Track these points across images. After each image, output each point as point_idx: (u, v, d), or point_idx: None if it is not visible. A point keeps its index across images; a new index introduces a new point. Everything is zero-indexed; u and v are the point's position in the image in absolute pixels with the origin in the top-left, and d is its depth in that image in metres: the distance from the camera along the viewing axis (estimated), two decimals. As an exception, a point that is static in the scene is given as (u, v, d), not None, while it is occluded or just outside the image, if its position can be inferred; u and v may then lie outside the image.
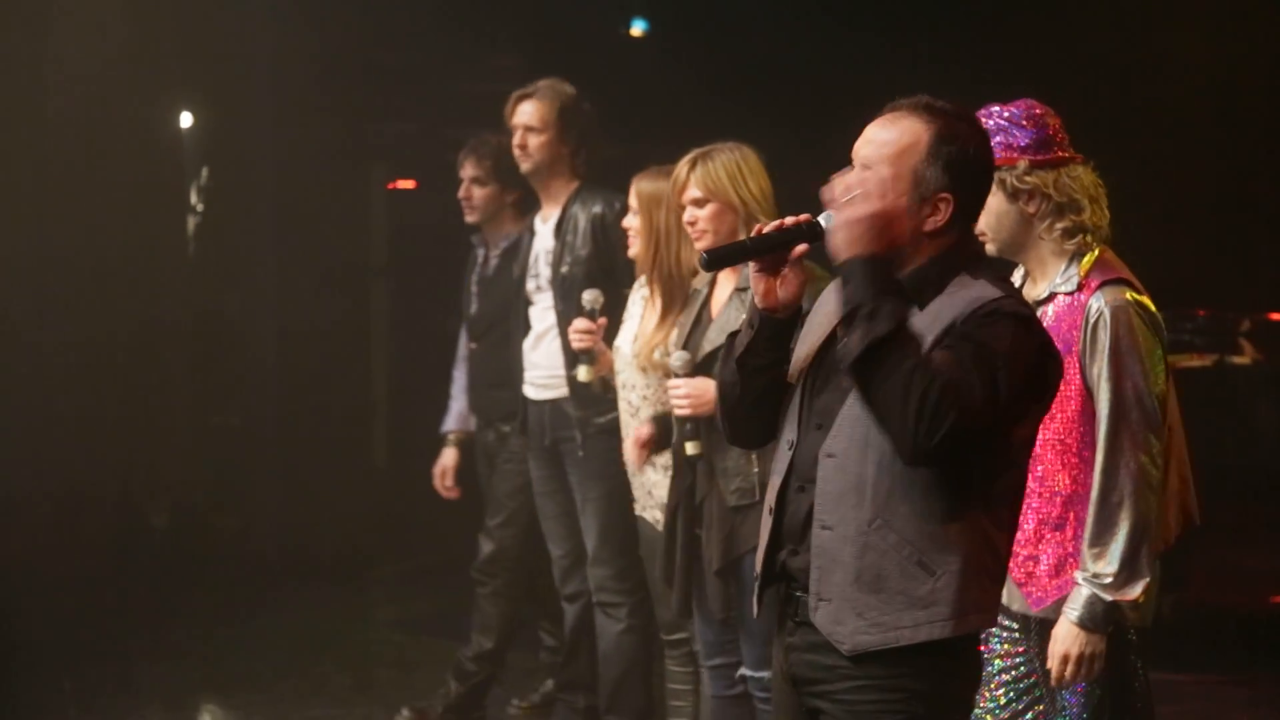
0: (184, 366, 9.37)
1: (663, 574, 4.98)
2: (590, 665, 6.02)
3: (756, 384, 3.41)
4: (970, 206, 3.32)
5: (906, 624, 3.20)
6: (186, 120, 9.68)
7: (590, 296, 5.45)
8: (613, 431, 5.57)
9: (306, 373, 8.98)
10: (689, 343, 4.88)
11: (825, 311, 3.39)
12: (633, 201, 5.24)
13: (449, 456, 6.69)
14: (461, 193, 6.46)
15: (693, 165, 4.84)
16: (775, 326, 3.38)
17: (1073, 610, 3.86)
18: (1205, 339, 6.93)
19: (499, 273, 6.44)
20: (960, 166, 3.26)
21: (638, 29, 10.38)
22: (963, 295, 3.25)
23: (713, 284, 4.95)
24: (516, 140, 5.91)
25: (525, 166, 5.95)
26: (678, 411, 4.77)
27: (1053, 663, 3.87)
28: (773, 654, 3.47)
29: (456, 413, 6.72)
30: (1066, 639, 3.86)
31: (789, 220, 3.33)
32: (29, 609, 7.89)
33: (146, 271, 8.96)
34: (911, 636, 3.20)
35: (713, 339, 4.77)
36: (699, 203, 4.83)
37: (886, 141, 3.28)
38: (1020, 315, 3.23)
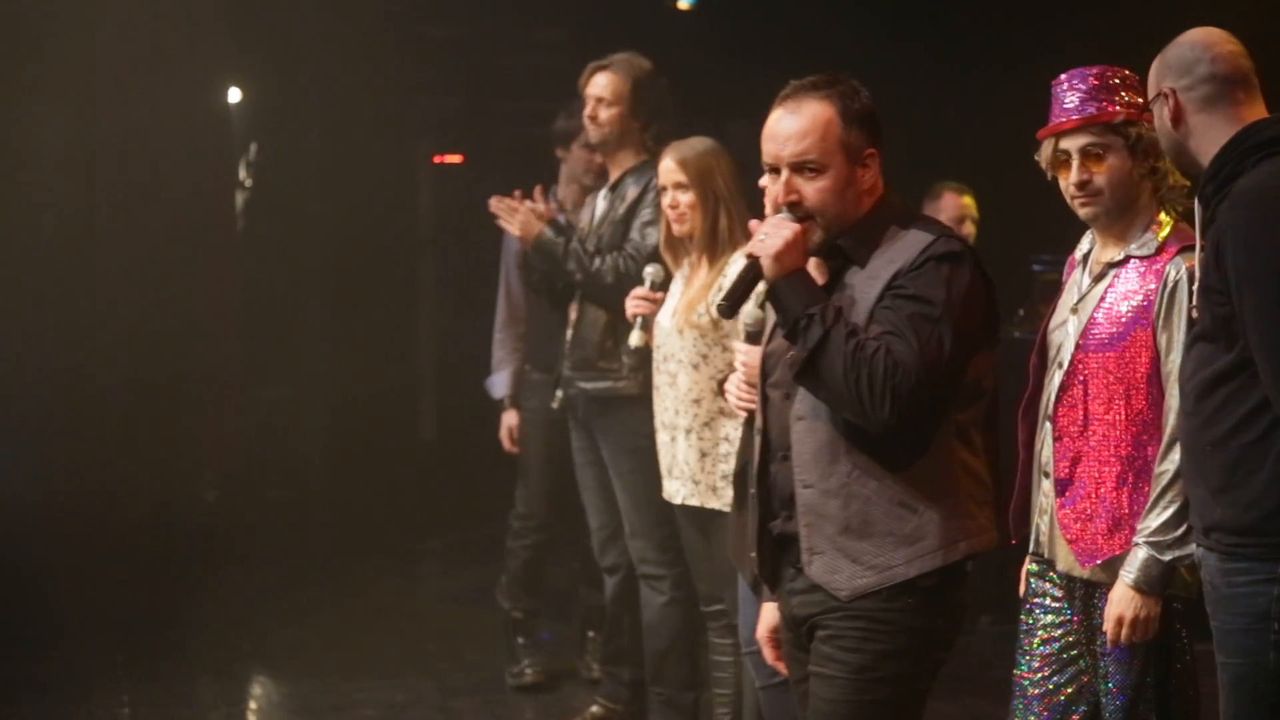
0: (234, 340, 9.42)
1: (733, 553, 4.85)
2: (633, 638, 6.01)
3: None
4: (881, 153, 3.52)
5: (899, 561, 3.42)
6: (234, 96, 9.73)
7: (652, 270, 5.49)
8: (608, 399, 5.69)
9: (354, 346, 9.01)
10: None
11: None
12: (682, 176, 5.25)
13: None
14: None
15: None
16: None
17: (1128, 573, 3.84)
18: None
19: None
20: (870, 120, 3.51)
21: (685, 2, 10.34)
22: (898, 246, 3.45)
23: None
24: (588, 111, 5.91)
25: (594, 137, 5.95)
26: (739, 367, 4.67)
27: (1107, 625, 3.86)
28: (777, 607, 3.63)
29: None
30: (1121, 601, 3.84)
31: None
32: (83, 582, 7.96)
33: (197, 247, 9.01)
34: (905, 572, 3.42)
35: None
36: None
37: (805, 130, 3.47)
38: (952, 254, 3.41)
